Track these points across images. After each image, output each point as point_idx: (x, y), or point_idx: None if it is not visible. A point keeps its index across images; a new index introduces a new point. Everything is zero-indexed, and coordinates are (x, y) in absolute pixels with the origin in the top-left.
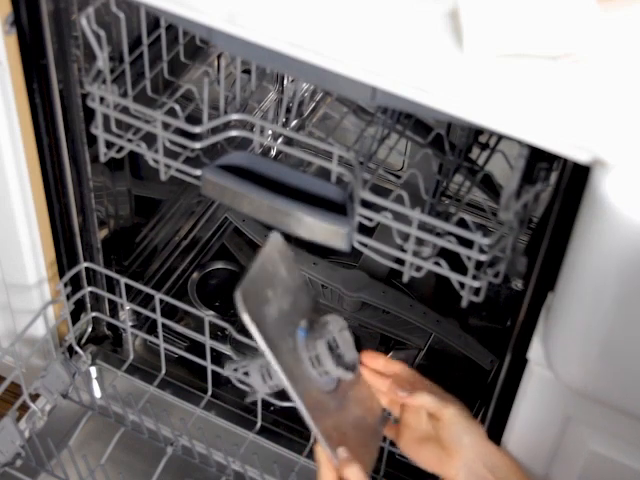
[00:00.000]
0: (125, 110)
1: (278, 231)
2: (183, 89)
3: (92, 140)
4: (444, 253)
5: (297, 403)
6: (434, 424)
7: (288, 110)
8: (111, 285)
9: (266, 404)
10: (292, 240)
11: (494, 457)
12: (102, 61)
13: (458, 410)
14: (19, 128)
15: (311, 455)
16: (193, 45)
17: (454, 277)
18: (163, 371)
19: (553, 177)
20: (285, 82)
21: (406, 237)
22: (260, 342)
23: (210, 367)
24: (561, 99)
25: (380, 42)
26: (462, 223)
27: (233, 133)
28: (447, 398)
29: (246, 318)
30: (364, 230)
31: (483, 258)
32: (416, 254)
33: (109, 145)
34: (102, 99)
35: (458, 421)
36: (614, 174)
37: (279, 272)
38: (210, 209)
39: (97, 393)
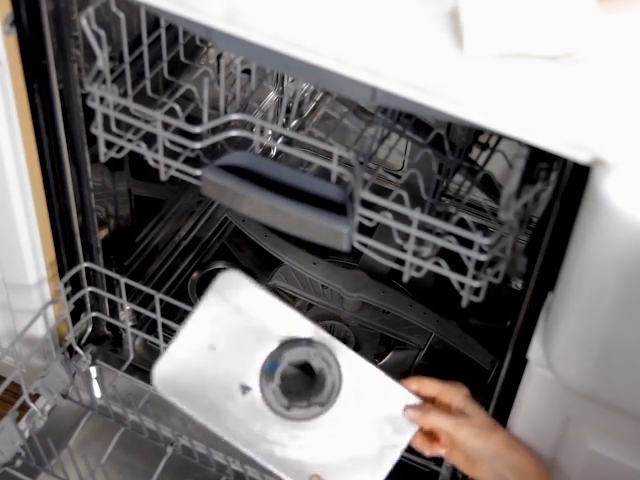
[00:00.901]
0: (125, 110)
1: (231, 269)
2: (183, 89)
3: (92, 140)
4: (444, 253)
5: (246, 452)
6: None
7: (288, 110)
8: (111, 285)
9: None
10: (292, 240)
11: (519, 462)
12: (102, 61)
13: (470, 431)
14: (19, 128)
15: None
16: (193, 45)
17: (454, 277)
18: None
19: (553, 177)
20: (285, 82)
21: (406, 237)
22: (191, 413)
23: None
24: (561, 99)
25: (380, 42)
26: (462, 223)
27: (233, 133)
28: (466, 416)
29: (172, 399)
30: (364, 230)
31: (483, 258)
32: (416, 254)
33: (109, 145)
34: (102, 99)
35: (471, 442)
36: (614, 174)
37: (228, 317)
38: (210, 209)
39: (97, 393)
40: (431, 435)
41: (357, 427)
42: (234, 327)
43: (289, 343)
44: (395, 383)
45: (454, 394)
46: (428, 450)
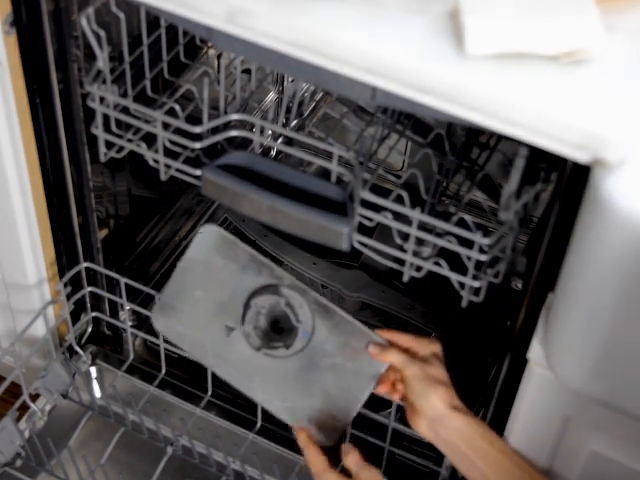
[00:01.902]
0: (125, 110)
1: (209, 224)
2: (183, 89)
3: (92, 140)
4: (444, 253)
5: (235, 386)
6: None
7: (288, 110)
8: (111, 285)
9: None
10: (292, 240)
11: (455, 420)
12: (102, 61)
13: (418, 372)
14: (19, 128)
15: None
16: (193, 45)
17: (454, 277)
18: (163, 371)
19: (553, 177)
20: (285, 82)
21: (406, 237)
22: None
23: None
24: (561, 99)
25: (380, 42)
26: (462, 223)
27: (233, 133)
28: (424, 363)
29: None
30: (364, 230)
31: (483, 258)
32: (416, 254)
33: (109, 145)
34: (102, 99)
35: (415, 383)
36: (614, 174)
37: (212, 266)
38: (210, 209)
39: (97, 393)
40: (395, 387)
41: (329, 366)
42: (217, 274)
43: (261, 289)
44: (361, 325)
45: (424, 346)
46: (388, 395)
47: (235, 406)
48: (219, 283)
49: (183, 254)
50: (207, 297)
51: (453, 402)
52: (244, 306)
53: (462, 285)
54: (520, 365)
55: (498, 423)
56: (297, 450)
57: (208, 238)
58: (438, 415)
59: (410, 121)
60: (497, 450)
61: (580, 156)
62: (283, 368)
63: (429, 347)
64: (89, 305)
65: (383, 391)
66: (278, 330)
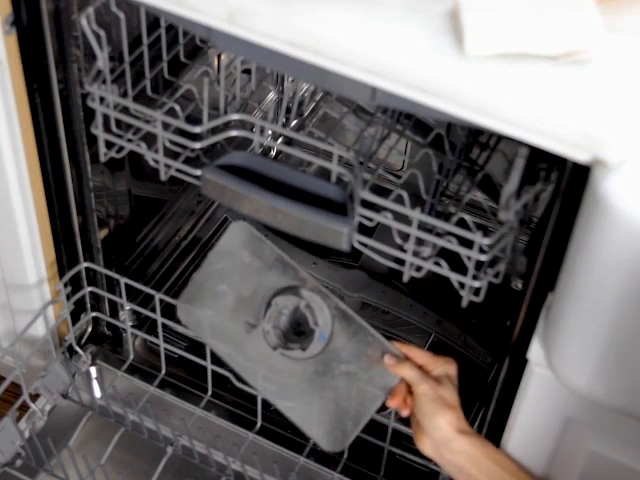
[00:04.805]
0: (125, 110)
1: (241, 220)
2: (183, 89)
3: (92, 140)
4: (444, 253)
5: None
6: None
7: (288, 110)
8: (111, 285)
9: (266, 404)
10: (292, 240)
11: (461, 443)
12: (102, 61)
13: (428, 391)
14: (19, 128)
15: (311, 455)
16: (193, 45)
17: (454, 277)
18: (163, 371)
19: (553, 177)
20: (285, 82)
21: (406, 237)
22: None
23: (210, 367)
24: (561, 99)
25: (380, 42)
26: (462, 223)
27: (233, 133)
28: (436, 382)
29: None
30: (364, 230)
31: (483, 258)
32: (416, 254)
33: (109, 145)
34: (102, 99)
35: (424, 401)
36: (614, 174)
37: (239, 262)
38: (210, 209)
39: (97, 393)
40: (405, 401)
41: (343, 373)
42: (242, 270)
43: (284, 290)
44: (379, 335)
45: (439, 365)
46: (399, 409)
47: (235, 406)
48: (243, 279)
49: (212, 247)
50: (231, 291)
51: (460, 425)
52: (266, 304)
53: (462, 285)
54: (520, 365)
55: (498, 423)
56: (297, 450)
57: (238, 233)
58: (443, 437)
59: (410, 121)
60: (503, 469)
61: (580, 156)
62: (298, 370)
63: (444, 367)
64: (89, 305)
65: (394, 404)
66: (298, 332)
